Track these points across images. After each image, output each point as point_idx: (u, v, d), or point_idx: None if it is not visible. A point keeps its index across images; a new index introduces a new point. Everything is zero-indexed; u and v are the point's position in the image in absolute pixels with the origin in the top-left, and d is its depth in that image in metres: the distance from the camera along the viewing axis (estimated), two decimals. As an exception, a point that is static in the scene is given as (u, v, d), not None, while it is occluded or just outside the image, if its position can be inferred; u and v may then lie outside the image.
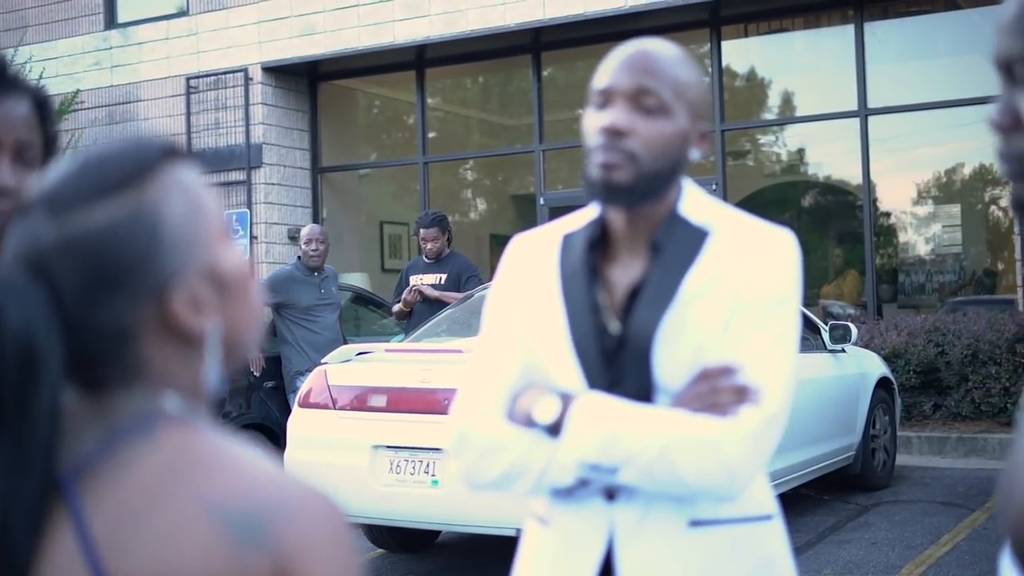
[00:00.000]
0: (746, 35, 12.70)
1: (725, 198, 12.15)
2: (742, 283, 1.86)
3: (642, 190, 1.87)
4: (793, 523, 7.28)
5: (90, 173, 1.10)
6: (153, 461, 1.07)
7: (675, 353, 1.85)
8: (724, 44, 12.32)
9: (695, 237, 1.90)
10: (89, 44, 14.28)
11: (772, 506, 1.98)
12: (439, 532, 6.81)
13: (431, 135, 14.15)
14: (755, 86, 13.16)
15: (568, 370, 1.91)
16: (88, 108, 14.12)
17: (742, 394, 1.81)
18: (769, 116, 13.11)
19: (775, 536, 1.97)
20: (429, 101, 13.97)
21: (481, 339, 2.04)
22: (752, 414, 1.81)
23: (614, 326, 1.91)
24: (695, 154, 1.93)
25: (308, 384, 6.26)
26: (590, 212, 2.00)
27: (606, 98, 1.89)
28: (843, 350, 8.17)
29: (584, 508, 1.90)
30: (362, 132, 15.39)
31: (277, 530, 1.05)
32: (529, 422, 1.87)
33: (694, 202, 1.96)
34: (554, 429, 1.85)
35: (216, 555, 1.03)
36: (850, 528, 7.20)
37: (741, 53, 12.86)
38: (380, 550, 6.84)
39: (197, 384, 1.15)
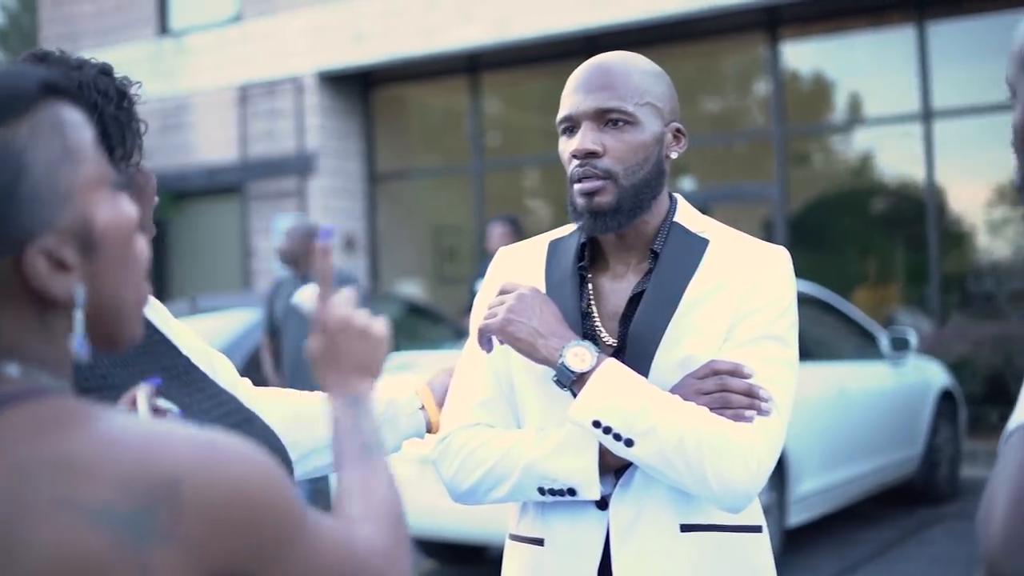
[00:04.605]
0: (804, 38, 12.46)
1: (786, 204, 11.94)
2: (743, 295, 1.88)
3: (628, 208, 1.89)
4: (851, 537, 7.09)
5: None
6: None
7: (671, 359, 1.86)
8: (782, 48, 12.12)
9: (696, 245, 1.93)
10: (142, 52, 14.35)
11: (761, 519, 1.98)
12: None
13: (487, 141, 14.08)
14: (815, 90, 12.92)
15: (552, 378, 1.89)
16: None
17: (753, 398, 1.80)
18: (830, 120, 12.85)
19: (763, 548, 1.97)
20: (484, 107, 13.91)
21: (464, 351, 2.05)
22: (774, 424, 1.82)
23: (609, 333, 1.92)
24: (674, 153, 1.96)
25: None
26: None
27: (572, 124, 1.92)
28: (904, 359, 7.96)
29: (578, 519, 1.90)
30: (417, 138, 15.36)
31: (173, 518, 0.90)
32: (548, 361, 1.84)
33: (688, 214, 1.99)
34: (562, 383, 1.83)
35: (114, 568, 0.88)
36: (910, 543, 6.99)
37: (800, 56, 12.63)
38: (432, 562, 6.77)
39: (57, 359, 1.00)
